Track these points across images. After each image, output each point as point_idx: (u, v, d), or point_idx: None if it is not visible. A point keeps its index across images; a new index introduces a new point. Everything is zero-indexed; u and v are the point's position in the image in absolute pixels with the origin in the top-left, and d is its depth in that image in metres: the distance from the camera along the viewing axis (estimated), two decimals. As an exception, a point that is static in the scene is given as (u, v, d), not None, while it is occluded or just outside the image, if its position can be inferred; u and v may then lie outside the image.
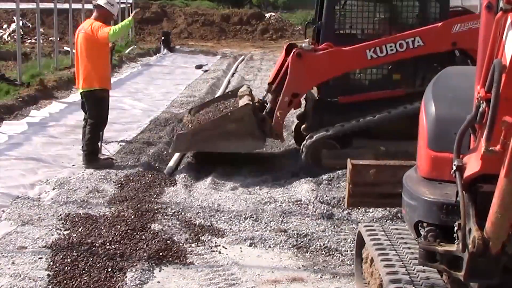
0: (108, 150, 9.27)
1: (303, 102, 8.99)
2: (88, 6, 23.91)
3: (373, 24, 8.64)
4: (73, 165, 8.80)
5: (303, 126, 8.97)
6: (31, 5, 19.01)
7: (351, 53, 8.18)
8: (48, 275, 5.21)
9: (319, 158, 8.31)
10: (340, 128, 8.30)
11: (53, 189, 7.66)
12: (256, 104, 8.62)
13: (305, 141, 8.44)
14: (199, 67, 21.74)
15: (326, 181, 7.86)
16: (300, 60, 8.15)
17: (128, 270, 5.34)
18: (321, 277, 5.35)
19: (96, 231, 6.18)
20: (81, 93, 8.82)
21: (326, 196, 7.29)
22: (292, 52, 8.20)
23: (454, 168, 3.25)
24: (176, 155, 8.92)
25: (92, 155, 8.59)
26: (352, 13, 8.73)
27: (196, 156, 9.03)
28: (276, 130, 8.34)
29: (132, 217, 6.57)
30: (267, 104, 8.53)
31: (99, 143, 8.73)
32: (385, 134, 8.27)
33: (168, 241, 6.01)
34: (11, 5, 19.09)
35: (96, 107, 8.69)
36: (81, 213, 6.72)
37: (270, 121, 8.30)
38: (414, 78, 8.50)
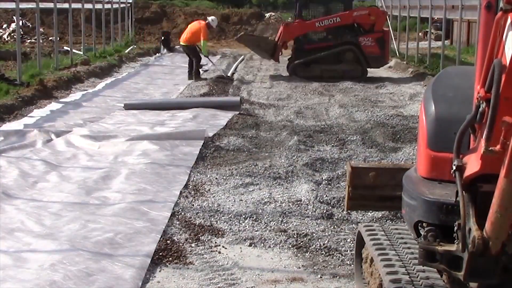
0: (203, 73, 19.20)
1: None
2: (88, 6, 23.97)
3: (319, 12, 19.43)
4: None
5: (289, 60, 19.34)
6: (31, 5, 19.00)
7: (308, 24, 18.92)
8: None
9: (296, 73, 18.68)
10: (306, 59, 18.59)
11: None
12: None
13: (289, 65, 19.09)
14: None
15: (326, 181, 7.87)
16: (286, 26, 19.12)
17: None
18: (321, 277, 5.35)
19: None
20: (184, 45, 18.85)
21: (326, 196, 7.29)
22: (283, 23, 20.26)
23: (454, 168, 3.25)
24: None
25: (197, 75, 18.43)
26: (311, 9, 19.71)
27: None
28: (276, 58, 19.63)
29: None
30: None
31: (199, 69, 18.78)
32: (325, 62, 18.47)
33: (168, 241, 6.01)
34: (11, 5, 19.07)
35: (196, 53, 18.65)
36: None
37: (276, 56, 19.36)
38: (337, 39, 18.73)
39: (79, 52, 22.96)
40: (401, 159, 9.07)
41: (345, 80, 17.50)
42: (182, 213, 6.83)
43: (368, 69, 18.76)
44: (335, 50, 18.41)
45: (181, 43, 18.92)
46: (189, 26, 19.19)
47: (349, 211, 6.53)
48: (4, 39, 29.80)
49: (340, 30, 18.71)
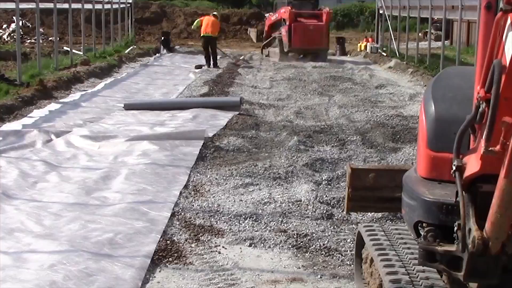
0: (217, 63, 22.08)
1: None
2: (88, 6, 23.97)
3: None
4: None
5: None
6: (31, 5, 18.99)
7: (293, 13, 24.31)
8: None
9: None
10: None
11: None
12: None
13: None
14: (199, 67, 21.77)
15: (326, 181, 7.87)
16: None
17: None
18: (320, 277, 5.35)
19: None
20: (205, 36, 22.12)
21: (326, 196, 7.29)
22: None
23: (454, 168, 3.25)
24: None
25: (215, 64, 21.97)
26: None
27: None
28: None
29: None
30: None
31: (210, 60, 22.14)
32: None
33: (168, 241, 6.01)
34: (11, 5, 19.06)
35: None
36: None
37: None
38: None
39: (79, 52, 22.96)
40: (401, 159, 9.07)
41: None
42: (182, 213, 6.83)
43: (369, 69, 18.91)
44: None
45: (206, 34, 22.23)
46: (207, 19, 22.56)
47: (349, 212, 6.53)
48: (4, 39, 29.82)
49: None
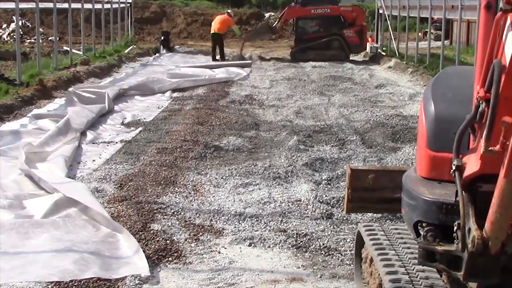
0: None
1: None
2: (88, 6, 23.97)
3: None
4: (70, 165, 8.81)
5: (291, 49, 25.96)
6: (31, 5, 18.98)
7: (306, 9, 24.90)
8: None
9: (296, 57, 24.37)
10: (303, 46, 24.59)
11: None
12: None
13: (292, 51, 25.26)
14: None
15: (326, 181, 7.87)
16: (289, 8, 25.58)
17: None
18: (320, 277, 5.35)
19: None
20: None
21: (326, 196, 7.29)
22: (288, 6, 26.29)
23: (454, 168, 3.25)
24: None
25: (222, 57, 24.52)
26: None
27: None
28: (278, 30, 27.27)
29: (132, 217, 6.57)
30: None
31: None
32: (318, 48, 24.25)
33: (168, 241, 6.01)
34: (11, 5, 19.05)
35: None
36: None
37: (275, 28, 26.43)
38: (325, 31, 24.59)
39: (79, 52, 22.96)
40: (400, 159, 9.07)
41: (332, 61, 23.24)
42: (182, 213, 6.83)
43: (369, 69, 18.97)
44: (324, 40, 24.43)
45: (213, 32, 24.52)
46: (217, 18, 24.99)
47: (348, 213, 6.53)
48: (4, 39, 29.82)
49: (328, 26, 24.79)
